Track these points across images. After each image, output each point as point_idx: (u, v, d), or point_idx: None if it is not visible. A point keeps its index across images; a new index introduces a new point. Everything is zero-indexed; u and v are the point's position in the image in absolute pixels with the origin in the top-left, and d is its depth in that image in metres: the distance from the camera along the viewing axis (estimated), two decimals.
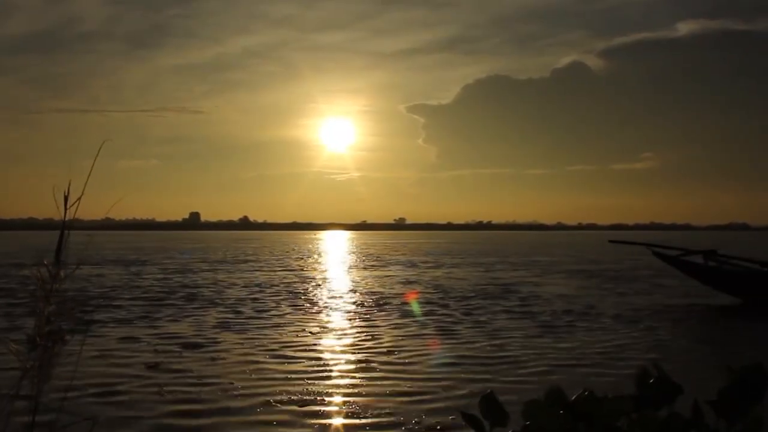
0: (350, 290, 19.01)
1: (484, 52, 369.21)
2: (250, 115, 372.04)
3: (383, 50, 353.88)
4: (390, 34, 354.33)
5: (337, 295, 17.65)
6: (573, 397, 1.43)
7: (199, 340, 10.55)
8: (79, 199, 1.78)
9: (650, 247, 16.42)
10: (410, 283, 20.87)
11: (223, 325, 12.14)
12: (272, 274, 25.48)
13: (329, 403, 6.91)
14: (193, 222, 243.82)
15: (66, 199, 1.78)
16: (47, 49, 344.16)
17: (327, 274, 25.80)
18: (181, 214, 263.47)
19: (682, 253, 16.07)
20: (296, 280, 22.63)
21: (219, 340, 10.64)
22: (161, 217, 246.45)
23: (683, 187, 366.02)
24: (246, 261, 34.81)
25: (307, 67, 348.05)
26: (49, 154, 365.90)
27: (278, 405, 6.82)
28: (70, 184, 1.76)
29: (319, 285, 20.74)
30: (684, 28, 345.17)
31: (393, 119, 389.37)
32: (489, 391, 1.42)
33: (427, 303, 15.37)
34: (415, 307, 14.99)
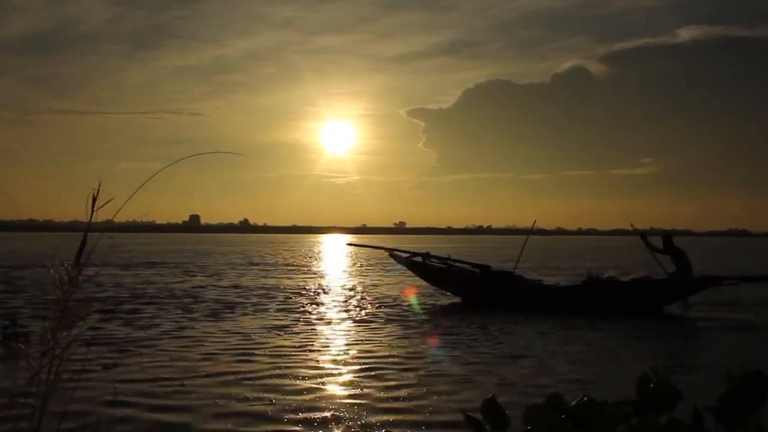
0: (344, 292, 19.03)
1: (485, 56, 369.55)
2: (251, 118, 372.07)
3: (384, 54, 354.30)
4: (391, 38, 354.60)
5: (322, 299, 17.68)
6: (573, 403, 1.44)
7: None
8: (108, 201, 1.78)
9: (387, 250, 17.86)
10: None
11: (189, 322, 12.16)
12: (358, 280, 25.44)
13: (291, 406, 6.87)
14: (194, 224, 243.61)
15: (94, 201, 1.77)
16: (48, 50, 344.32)
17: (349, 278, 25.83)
18: (181, 217, 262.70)
19: (411, 255, 17.13)
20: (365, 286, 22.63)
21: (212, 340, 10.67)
22: (161, 220, 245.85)
23: (683, 193, 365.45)
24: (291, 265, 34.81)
25: (308, 70, 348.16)
26: (49, 154, 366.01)
27: (230, 405, 6.86)
28: (100, 185, 1.75)
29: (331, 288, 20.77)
30: (685, 34, 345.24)
31: (393, 123, 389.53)
32: (491, 395, 1.43)
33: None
34: (414, 303, 15.12)
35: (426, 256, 16.82)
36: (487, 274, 16.14)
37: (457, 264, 16.69)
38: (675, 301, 15.16)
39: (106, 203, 1.80)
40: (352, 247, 19.34)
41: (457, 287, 16.53)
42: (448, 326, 12.29)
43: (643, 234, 15.72)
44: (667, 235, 15.53)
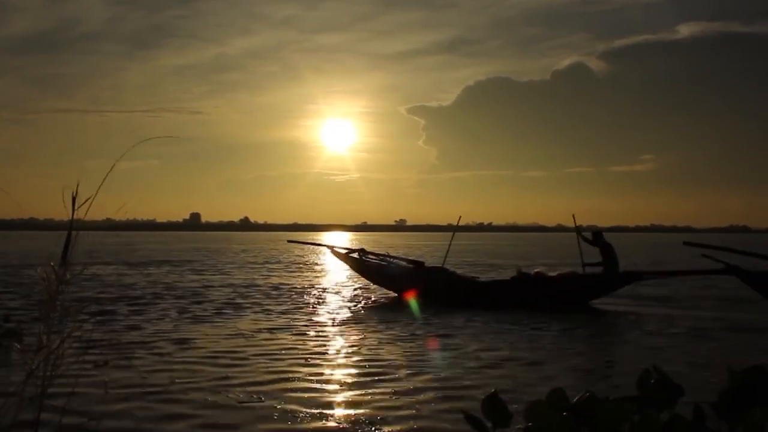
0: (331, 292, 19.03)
1: (485, 53, 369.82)
2: (251, 116, 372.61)
3: (384, 52, 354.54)
4: (390, 36, 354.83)
5: (323, 298, 17.67)
6: (575, 399, 1.43)
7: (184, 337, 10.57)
8: (87, 200, 1.78)
9: (327, 247, 18.67)
10: None
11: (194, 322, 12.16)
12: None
13: (275, 406, 6.85)
14: (194, 223, 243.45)
15: (74, 199, 1.77)
16: (48, 50, 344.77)
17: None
18: (181, 215, 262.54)
19: (348, 251, 17.80)
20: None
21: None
22: (162, 218, 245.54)
23: (683, 190, 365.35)
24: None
25: (308, 68, 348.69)
26: (49, 154, 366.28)
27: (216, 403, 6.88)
28: (78, 185, 1.74)
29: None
30: (685, 30, 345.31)
31: (393, 120, 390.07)
32: (493, 390, 1.42)
33: None
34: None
35: (362, 252, 17.44)
36: (421, 270, 16.52)
37: (393, 260, 17.20)
38: (600, 295, 15.58)
39: (85, 201, 1.79)
40: (294, 243, 20.42)
41: (392, 283, 16.95)
42: (447, 328, 12.27)
43: (578, 229, 16.17)
44: (597, 231, 16.04)
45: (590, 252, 15.64)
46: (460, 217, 19.53)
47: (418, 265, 16.70)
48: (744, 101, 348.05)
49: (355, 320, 13.24)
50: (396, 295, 16.84)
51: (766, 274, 10.39)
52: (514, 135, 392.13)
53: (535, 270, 16.09)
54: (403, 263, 17.06)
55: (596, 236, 15.82)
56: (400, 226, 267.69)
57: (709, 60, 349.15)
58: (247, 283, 21.53)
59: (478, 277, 17.83)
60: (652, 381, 1.54)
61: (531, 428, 1.44)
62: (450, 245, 17.55)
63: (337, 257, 18.10)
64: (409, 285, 16.24)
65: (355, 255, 17.47)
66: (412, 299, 16.01)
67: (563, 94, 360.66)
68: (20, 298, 16.19)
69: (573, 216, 16.84)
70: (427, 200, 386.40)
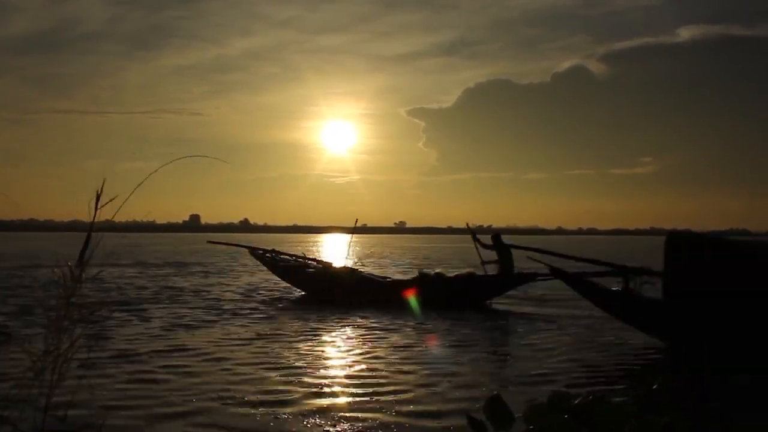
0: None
1: (485, 55, 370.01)
2: (251, 117, 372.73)
3: (384, 53, 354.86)
4: (391, 37, 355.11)
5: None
6: (577, 401, 1.44)
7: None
8: (112, 199, 1.77)
9: (246, 247, 19.26)
10: None
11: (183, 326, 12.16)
12: None
13: (268, 408, 6.88)
14: (194, 224, 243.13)
15: (98, 198, 1.75)
16: (48, 50, 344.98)
17: None
18: (181, 216, 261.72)
19: (263, 252, 18.63)
20: None
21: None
22: (161, 219, 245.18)
23: (684, 192, 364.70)
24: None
25: (309, 70, 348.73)
26: (49, 154, 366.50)
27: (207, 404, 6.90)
28: (104, 183, 1.73)
29: None
30: (685, 33, 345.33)
31: (394, 122, 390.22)
32: (495, 393, 1.43)
33: None
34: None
35: (274, 252, 18.59)
36: (329, 270, 17.45)
37: (304, 260, 18.22)
38: (496, 295, 16.42)
39: (109, 201, 1.79)
40: (216, 244, 21.39)
41: (302, 282, 17.85)
42: (445, 329, 12.27)
43: (473, 232, 16.96)
44: (496, 234, 16.69)
45: (488, 255, 16.30)
46: (357, 220, 20.21)
47: (325, 265, 17.72)
48: (744, 103, 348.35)
49: (352, 323, 13.24)
50: (304, 293, 17.68)
51: (583, 275, 11.68)
52: (514, 137, 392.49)
53: (436, 271, 17.03)
54: (313, 263, 18.03)
55: (495, 239, 16.43)
56: (400, 228, 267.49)
57: (710, 62, 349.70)
58: (253, 286, 21.42)
59: (388, 278, 18.58)
60: (653, 385, 1.55)
61: (531, 431, 1.45)
62: (350, 245, 18.49)
63: (255, 258, 18.88)
64: (317, 284, 17.13)
65: (269, 255, 18.40)
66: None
67: (563, 96, 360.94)
68: (18, 300, 16.16)
69: (467, 223, 17.75)
70: (427, 202, 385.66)
